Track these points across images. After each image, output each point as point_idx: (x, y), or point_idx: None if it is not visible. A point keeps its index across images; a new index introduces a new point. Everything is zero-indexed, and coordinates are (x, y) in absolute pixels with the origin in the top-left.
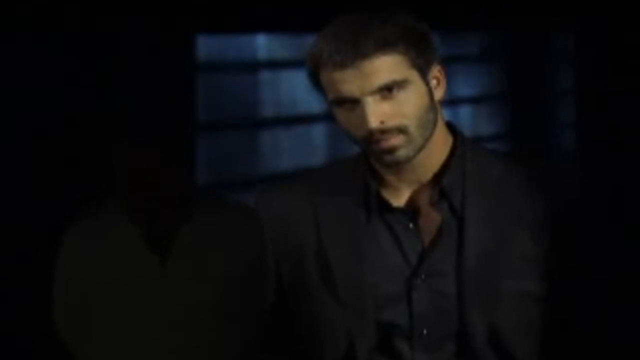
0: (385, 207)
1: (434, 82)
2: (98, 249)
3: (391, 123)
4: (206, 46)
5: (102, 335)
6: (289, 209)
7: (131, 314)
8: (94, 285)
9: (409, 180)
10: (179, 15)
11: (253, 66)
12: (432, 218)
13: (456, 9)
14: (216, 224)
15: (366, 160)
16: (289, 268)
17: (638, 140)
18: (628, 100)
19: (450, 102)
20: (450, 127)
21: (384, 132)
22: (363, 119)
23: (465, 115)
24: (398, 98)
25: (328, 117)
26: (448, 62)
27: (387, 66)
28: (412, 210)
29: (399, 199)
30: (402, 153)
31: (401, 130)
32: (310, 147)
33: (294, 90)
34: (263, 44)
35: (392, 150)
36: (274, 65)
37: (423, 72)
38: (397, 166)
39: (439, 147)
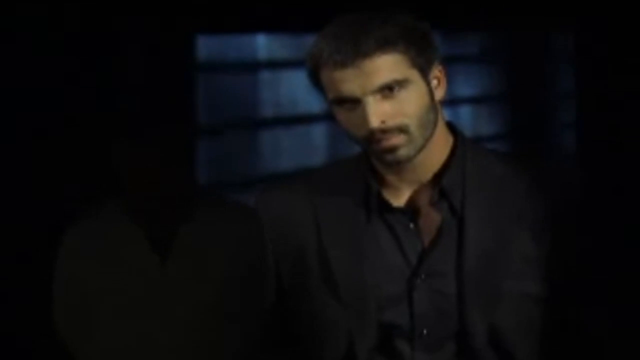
0: (386, 207)
1: (434, 82)
2: (98, 249)
3: (392, 122)
4: (206, 46)
5: (102, 335)
6: (289, 209)
7: (131, 314)
8: (94, 285)
9: (409, 180)
10: (179, 15)
11: (253, 66)
12: (432, 218)
13: (456, 9)
14: (216, 224)
15: (366, 160)
16: (289, 268)
17: (638, 140)
18: (628, 100)
19: (451, 102)
20: (451, 127)
21: (384, 131)
22: (364, 118)
23: (465, 116)
24: (399, 97)
25: (328, 117)
26: (448, 63)
27: (388, 65)
28: (412, 210)
29: (399, 199)
30: (402, 152)
31: (402, 129)
32: (311, 147)
33: (294, 90)
34: (263, 44)
35: (393, 150)
36: (274, 65)
37: (424, 72)
38: (398, 166)
39: (440, 147)
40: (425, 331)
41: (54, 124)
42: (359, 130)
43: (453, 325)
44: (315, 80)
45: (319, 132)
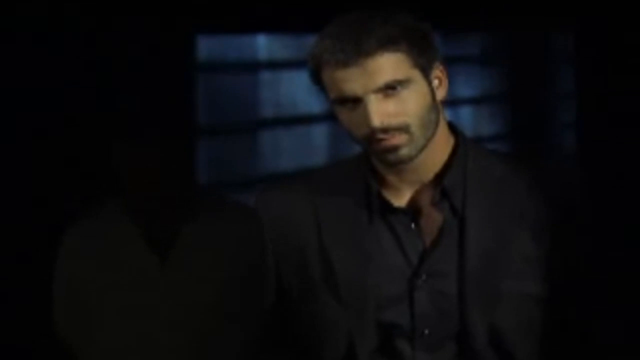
0: (387, 207)
1: (436, 82)
2: (98, 249)
3: (394, 122)
4: (206, 46)
5: (102, 335)
6: (289, 209)
7: (131, 314)
8: (94, 285)
9: (410, 180)
10: (179, 15)
11: (253, 66)
12: (433, 218)
13: (457, 10)
14: (216, 224)
15: (367, 160)
16: (289, 268)
17: (638, 140)
18: (628, 100)
19: (451, 102)
20: (452, 127)
21: (386, 131)
22: (365, 117)
23: (466, 116)
24: (401, 97)
25: (328, 118)
26: (448, 63)
27: (390, 64)
28: (413, 210)
29: (400, 199)
30: (404, 152)
31: (403, 129)
32: (311, 148)
33: (295, 90)
34: (263, 45)
35: (394, 149)
36: (275, 65)
37: (425, 72)
38: (399, 165)
39: (441, 147)
40: (426, 331)
41: (54, 124)
42: (361, 129)
43: (454, 326)
44: (317, 80)
45: (319, 133)
